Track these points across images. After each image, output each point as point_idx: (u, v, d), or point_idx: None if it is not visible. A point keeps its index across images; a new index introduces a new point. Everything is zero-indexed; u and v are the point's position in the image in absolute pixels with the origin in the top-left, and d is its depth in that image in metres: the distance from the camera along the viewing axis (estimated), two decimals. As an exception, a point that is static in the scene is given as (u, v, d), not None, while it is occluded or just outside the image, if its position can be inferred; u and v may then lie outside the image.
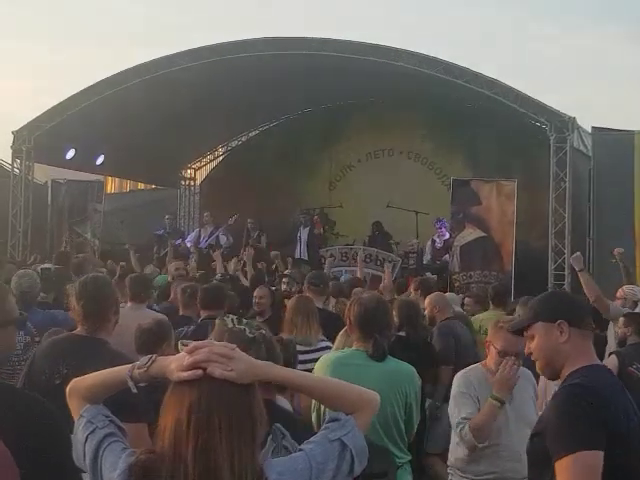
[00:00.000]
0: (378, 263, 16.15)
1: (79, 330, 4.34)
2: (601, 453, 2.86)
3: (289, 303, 6.56)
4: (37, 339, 6.43)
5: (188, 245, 17.44)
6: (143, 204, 22.02)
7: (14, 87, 46.91)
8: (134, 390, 2.42)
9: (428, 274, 13.71)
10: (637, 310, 9.21)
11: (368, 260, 15.98)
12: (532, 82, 45.75)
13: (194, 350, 2.28)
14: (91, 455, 2.39)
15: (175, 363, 2.28)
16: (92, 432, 2.42)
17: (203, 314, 6.61)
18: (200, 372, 2.22)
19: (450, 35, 44.91)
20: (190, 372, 2.22)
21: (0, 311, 3.11)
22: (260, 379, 2.35)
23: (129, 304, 6.84)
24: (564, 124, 14.74)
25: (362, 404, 2.47)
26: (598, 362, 3.28)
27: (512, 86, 15.01)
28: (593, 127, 15.03)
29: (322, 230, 18.26)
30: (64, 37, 47.08)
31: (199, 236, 17.27)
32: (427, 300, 8.01)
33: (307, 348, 5.97)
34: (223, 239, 16.68)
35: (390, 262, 15.08)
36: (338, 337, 5.61)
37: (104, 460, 2.36)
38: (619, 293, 9.44)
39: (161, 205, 22.34)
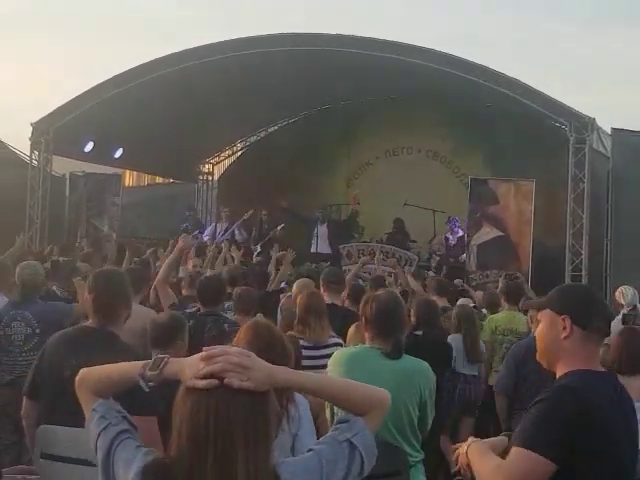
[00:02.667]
0: (393, 267, 16.11)
1: (90, 322, 4.36)
2: (551, 466, 2.82)
3: (299, 300, 6.50)
4: (37, 330, 6.46)
5: (205, 239, 17.48)
6: (161, 198, 22.04)
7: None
8: (146, 389, 2.41)
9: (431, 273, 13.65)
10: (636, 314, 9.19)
11: (385, 258, 15.95)
12: (552, 82, 45.48)
13: (210, 358, 2.27)
14: (104, 451, 2.39)
15: (190, 370, 2.26)
16: (105, 428, 2.42)
17: (202, 309, 6.57)
18: (216, 382, 2.21)
19: (470, 34, 44.61)
20: (206, 381, 2.21)
21: None
22: (276, 386, 2.35)
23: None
24: (583, 125, 14.67)
25: (373, 405, 2.48)
26: (599, 369, 3.13)
27: (532, 86, 14.95)
28: (613, 128, 14.94)
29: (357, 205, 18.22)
30: (79, 27, 47.04)
31: (215, 231, 17.30)
32: None
33: (319, 345, 5.95)
34: (238, 234, 16.68)
35: (402, 260, 15.05)
36: (349, 333, 5.59)
37: (117, 457, 2.36)
38: (617, 297, 9.36)
39: (179, 199, 22.39)
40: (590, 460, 2.86)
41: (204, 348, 2.33)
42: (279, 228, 16.71)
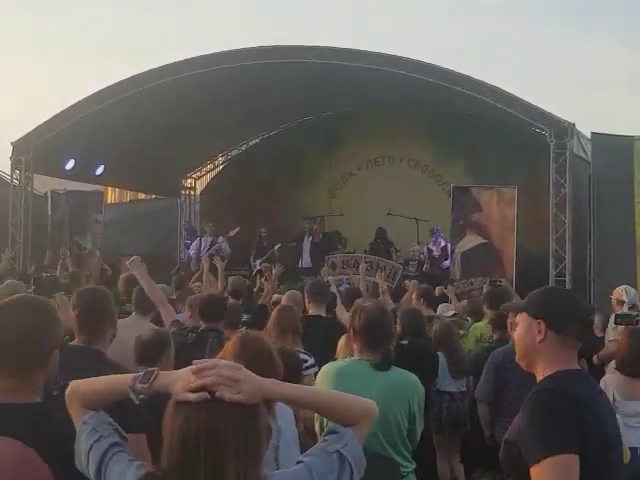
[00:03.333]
0: (379, 271, 16.12)
1: (76, 341, 4.33)
2: (576, 457, 2.83)
3: (272, 313, 6.55)
4: None
5: (191, 254, 17.49)
6: (143, 214, 22.01)
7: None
8: (137, 402, 2.41)
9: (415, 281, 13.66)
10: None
11: (369, 268, 15.96)
12: (531, 88, 45.75)
13: (201, 371, 2.27)
14: (96, 464, 2.38)
15: (181, 383, 2.27)
16: (97, 440, 2.41)
17: (202, 325, 6.57)
18: (207, 395, 2.21)
19: (450, 42, 44.85)
20: (197, 395, 2.22)
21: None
22: (267, 398, 2.37)
23: (133, 314, 6.84)
24: (563, 130, 14.75)
25: (361, 416, 2.49)
26: (577, 367, 3.16)
27: (511, 93, 15.02)
28: (592, 133, 15.01)
29: (321, 236, 18.22)
30: (55, 46, 47.06)
31: (200, 245, 17.29)
32: None
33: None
34: (223, 248, 16.66)
35: (386, 270, 15.07)
36: (339, 346, 5.58)
37: (109, 470, 2.36)
38: (617, 295, 9.47)
39: (162, 215, 22.39)
40: (594, 452, 2.88)
41: (194, 361, 2.33)
42: (277, 248, 16.77)
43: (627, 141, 14.48)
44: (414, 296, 9.19)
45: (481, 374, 7.00)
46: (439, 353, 7.60)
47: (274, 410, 3.62)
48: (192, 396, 2.21)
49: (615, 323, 7.85)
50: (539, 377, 3.10)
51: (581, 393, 2.99)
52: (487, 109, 15.66)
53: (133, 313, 6.87)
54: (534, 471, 2.85)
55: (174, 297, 8.91)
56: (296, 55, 15.73)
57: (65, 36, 47.66)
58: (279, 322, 6.24)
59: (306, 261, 17.13)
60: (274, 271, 10.91)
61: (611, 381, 6.45)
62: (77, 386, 2.52)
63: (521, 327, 3.19)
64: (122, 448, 2.42)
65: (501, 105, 14.91)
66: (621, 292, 9.49)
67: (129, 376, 2.45)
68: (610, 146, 14.68)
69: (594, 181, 14.76)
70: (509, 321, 7.42)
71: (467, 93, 14.94)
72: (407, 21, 46.38)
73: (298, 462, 2.41)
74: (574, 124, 14.87)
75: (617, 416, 6.16)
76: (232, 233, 16.72)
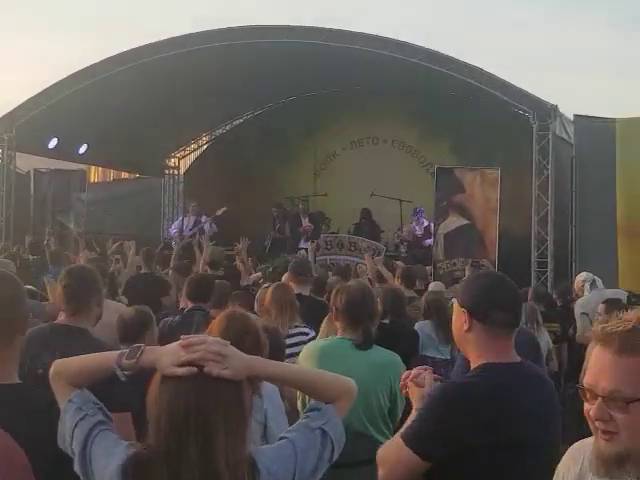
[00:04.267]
0: (363, 251, 16.17)
1: (61, 319, 4.35)
2: (423, 464, 2.84)
3: (268, 292, 6.57)
4: None
5: (173, 233, 17.45)
6: (127, 193, 21.94)
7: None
8: (123, 379, 2.42)
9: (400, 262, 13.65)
10: (598, 287, 9.52)
11: (353, 248, 16.02)
12: (515, 70, 45.77)
13: (190, 346, 2.30)
14: (81, 442, 2.38)
15: (169, 357, 2.29)
16: (82, 419, 2.41)
17: (190, 304, 6.59)
18: (195, 370, 2.24)
19: (433, 22, 44.80)
20: (185, 369, 2.24)
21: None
22: (253, 375, 2.40)
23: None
24: (546, 112, 14.78)
25: (341, 393, 2.54)
26: (508, 359, 3.01)
27: (495, 74, 15.04)
28: (575, 115, 15.07)
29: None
30: (44, 24, 46.65)
31: (182, 225, 17.24)
32: None
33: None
34: (208, 228, 16.61)
35: (372, 250, 15.09)
36: (322, 325, 5.63)
37: (95, 447, 2.36)
38: (577, 282, 9.73)
39: (145, 194, 22.33)
40: (488, 452, 2.82)
41: (182, 336, 2.35)
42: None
43: (609, 123, 14.54)
44: (396, 276, 9.24)
45: None
46: (426, 321, 7.68)
47: (260, 389, 3.67)
48: (180, 370, 2.24)
49: (606, 312, 7.96)
50: (472, 366, 3.04)
51: (490, 392, 2.88)
52: (471, 90, 15.69)
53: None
54: (394, 439, 2.97)
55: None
56: (281, 35, 15.67)
57: (50, 13, 47.11)
58: (276, 299, 6.25)
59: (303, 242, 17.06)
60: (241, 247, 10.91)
61: None
62: (63, 364, 2.52)
63: (454, 316, 3.12)
64: (107, 427, 2.42)
65: (484, 86, 14.93)
66: (577, 279, 9.88)
67: (115, 353, 2.46)
68: (592, 128, 14.74)
69: (576, 163, 14.83)
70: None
71: (451, 74, 14.95)
72: (390, 2, 46.17)
73: (281, 438, 2.45)
74: (557, 106, 14.90)
75: None
76: (219, 212, 16.67)
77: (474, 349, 3.01)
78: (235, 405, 2.26)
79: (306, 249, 14.81)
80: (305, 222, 17.43)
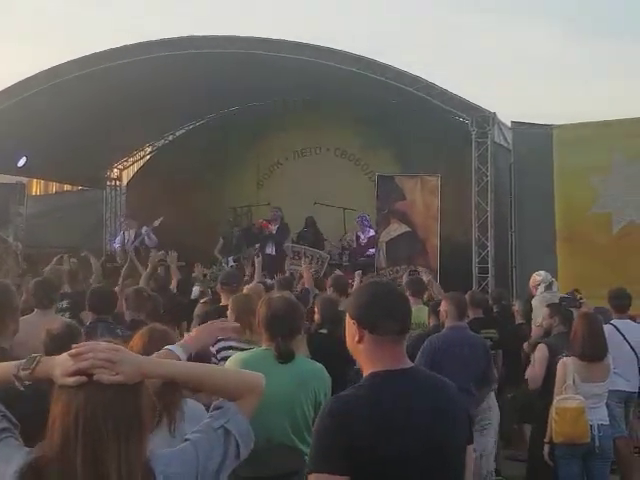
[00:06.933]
0: (306, 260, 16.18)
1: (-24, 337, 4.27)
2: (337, 476, 2.76)
3: (229, 304, 6.50)
4: None
5: (116, 247, 17.32)
6: (70, 205, 21.72)
7: None
8: (21, 388, 2.41)
9: (337, 271, 13.65)
10: (552, 290, 9.62)
11: (297, 257, 16.04)
12: (453, 77, 46.25)
13: (78, 355, 2.28)
14: None
15: (59, 368, 2.28)
16: None
17: (92, 317, 6.56)
18: (84, 378, 2.23)
19: (372, 30, 45.13)
20: (75, 378, 2.23)
21: None
22: (147, 377, 2.38)
23: (35, 310, 6.68)
24: (485, 119, 14.95)
25: (245, 390, 2.54)
26: (395, 366, 2.96)
27: (434, 82, 15.16)
28: (513, 121, 15.23)
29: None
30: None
31: (124, 238, 17.10)
32: None
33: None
34: (147, 240, 16.50)
35: (311, 259, 15.13)
36: None
37: None
38: (533, 280, 9.83)
39: (87, 206, 22.08)
40: (361, 471, 2.78)
41: (73, 346, 2.34)
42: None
43: (546, 130, 14.70)
44: (327, 285, 9.27)
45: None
46: None
47: (180, 404, 3.61)
48: (70, 380, 2.23)
49: (550, 316, 8.04)
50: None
51: (366, 405, 2.83)
52: (410, 98, 15.78)
53: (35, 310, 6.70)
54: None
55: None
56: (222, 45, 15.64)
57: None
58: (235, 311, 6.21)
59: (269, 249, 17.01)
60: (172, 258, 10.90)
61: (570, 364, 6.70)
62: None
63: (346, 328, 3.08)
64: (11, 434, 2.41)
65: (423, 94, 15.04)
66: (534, 277, 9.90)
67: (14, 363, 2.44)
68: (530, 135, 14.90)
69: (515, 169, 14.99)
70: (440, 309, 7.60)
71: (390, 83, 15.04)
72: (326, 9, 46.32)
73: (185, 440, 2.45)
74: (495, 113, 15.09)
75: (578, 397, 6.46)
76: (156, 223, 16.57)
77: (365, 359, 2.99)
78: (128, 410, 2.24)
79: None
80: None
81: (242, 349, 5.46)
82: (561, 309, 8.23)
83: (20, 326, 6.21)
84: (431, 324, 8.35)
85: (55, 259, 12.42)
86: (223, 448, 2.42)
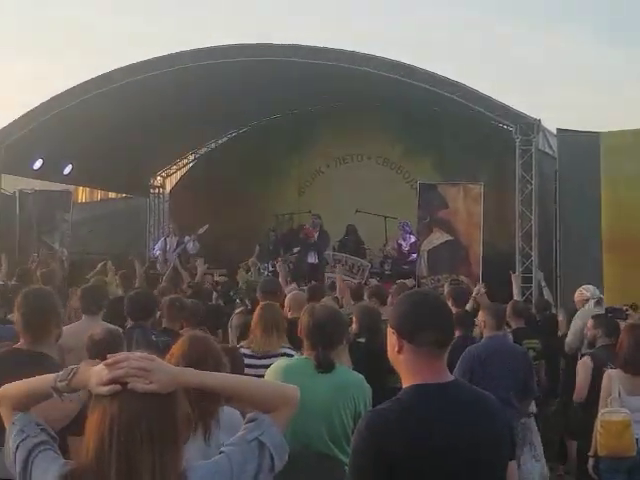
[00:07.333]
0: (347, 269, 16.18)
1: (20, 343, 4.30)
2: None
3: (256, 311, 6.52)
4: None
5: (157, 254, 17.42)
6: (114, 213, 21.95)
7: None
8: (61, 400, 2.43)
9: (375, 280, 13.62)
10: (599, 307, 9.40)
11: (335, 265, 16.01)
12: (497, 84, 45.95)
13: (113, 364, 2.28)
14: (21, 463, 2.40)
15: (95, 377, 2.28)
16: (23, 440, 2.42)
17: (130, 323, 6.60)
18: (119, 387, 2.23)
19: (416, 37, 44.96)
20: (109, 387, 2.24)
21: None
22: (182, 386, 2.36)
23: (83, 317, 6.75)
24: (529, 126, 14.82)
25: (280, 402, 2.52)
26: (435, 380, 2.89)
27: (477, 89, 15.08)
28: (558, 129, 15.08)
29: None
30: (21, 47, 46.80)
31: (165, 245, 17.19)
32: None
33: (259, 355, 5.93)
34: (190, 247, 16.58)
35: (352, 268, 15.11)
36: None
37: (34, 468, 2.37)
38: (579, 295, 9.59)
39: (131, 213, 22.31)
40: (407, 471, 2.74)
41: (108, 355, 2.34)
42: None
43: (593, 137, 14.53)
44: (366, 295, 9.22)
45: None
46: None
47: (217, 413, 3.61)
48: (104, 389, 2.23)
49: (594, 327, 7.90)
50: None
51: (399, 420, 2.77)
52: (453, 106, 15.71)
53: (83, 316, 6.76)
54: None
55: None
56: (263, 53, 15.70)
57: (33, 35, 47.25)
58: (262, 320, 6.20)
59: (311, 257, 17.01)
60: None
61: (615, 376, 6.59)
62: (6, 389, 2.54)
63: (388, 338, 3.02)
64: (49, 446, 2.43)
65: (466, 102, 14.96)
66: (582, 291, 9.63)
67: (52, 376, 2.45)
68: (576, 142, 14.73)
69: (560, 177, 14.83)
70: (479, 318, 7.53)
71: (433, 90, 14.98)
72: (372, 15, 46.23)
73: (220, 452, 2.44)
74: (540, 120, 14.95)
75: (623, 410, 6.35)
76: (201, 231, 16.63)
77: (404, 370, 2.94)
78: (163, 420, 2.23)
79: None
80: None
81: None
82: (606, 320, 8.09)
83: (68, 332, 6.30)
84: (456, 335, 8.20)
85: (99, 265, 12.55)
86: (257, 461, 2.41)
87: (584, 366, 7.39)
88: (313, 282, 11.77)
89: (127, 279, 10.23)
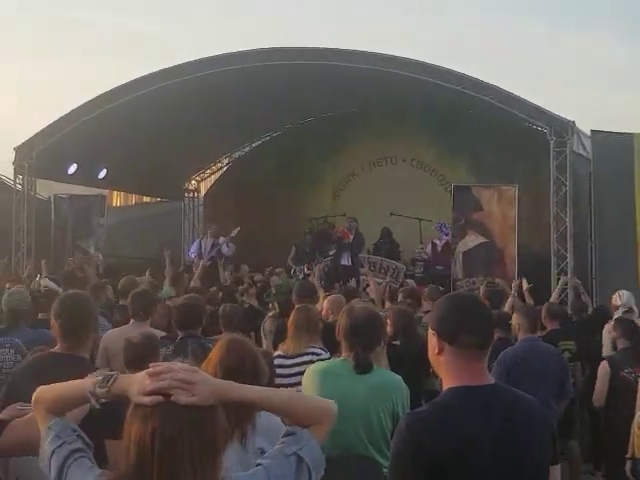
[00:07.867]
0: (382, 272, 16.18)
1: (58, 348, 4.33)
2: None
3: (291, 313, 6.53)
4: None
5: (192, 257, 17.49)
6: (149, 217, 22.05)
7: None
8: (97, 406, 2.42)
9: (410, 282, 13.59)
10: (630, 317, 9.31)
11: (372, 269, 16.01)
12: (531, 86, 45.61)
13: (156, 375, 2.27)
14: (56, 469, 2.40)
15: (136, 386, 2.27)
16: (59, 446, 2.42)
17: (180, 333, 6.47)
18: (161, 398, 2.22)
19: (447, 39, 44.74)
20: (151, 398, 2.22)
21: None
22: (223, 400, 2.36)
23: (131, 321, 6.77)
24: (563, 128, 14.70)
25: (318, 417, 2.51)
26: (474, 383, 2.88)
27: (511, 91, 14.99)
28: (592, 130, 14.95)
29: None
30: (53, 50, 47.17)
31: (200, 247, 17.26)
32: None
33: (289, 355, 5.96)
34: (225, 249, 16.64)
35: (387, 270, 15.09)
36: None
37: (69, 475, 2.37)
38: (613, 299, 9.54)
39: (166, 217, 22.43)
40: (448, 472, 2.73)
41: (150, 364, 2.34)
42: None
43: (627, 138, 14.41)
44: (400, 297, 9.21)
45: None
46: None
47: (253, 422, 3.56)
48: (146, 399, 2.22)
49: (614, 330, 7.88)
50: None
51: (437, 423, 2.78)
52: (487, 108, 15.64)
53: (131, 320, 6.79)
54: None
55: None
56: (297, 57, 15.72)
57: (67, 38, 47.66)
58: (294, 321, 6.22)
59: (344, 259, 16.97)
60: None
61: None
62: (42, 392, 2.54)
63: (428, 339, 3.02)
64: (84, 454, 2.42)
65: (500, 104, 14.86)
66: (615, 297, 9.60)
67: (90, 381, 2.45)
68: (610, 143, 14.60)
69: (594, 179, 14.70)
70: (513, 321, 7.51)
71: (466, 92, 14.91)
72: (404, 19, 46.10)
73: (257, 464, 2.43)
74: (574, 122, 14.82)
75: None
76: (233, 233, 16.65)
77: (445, 372, 2.94)
78: (203, 432, 2.22)
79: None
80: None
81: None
82: (625, 323, 8.05)
83: (113, 337, 6.32)
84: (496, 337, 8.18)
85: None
86: (295, 475, 2.40)
87: (601, 371, 7.39)
88: (348, 284, 11.79)
89: (177, 281, 10.16)
